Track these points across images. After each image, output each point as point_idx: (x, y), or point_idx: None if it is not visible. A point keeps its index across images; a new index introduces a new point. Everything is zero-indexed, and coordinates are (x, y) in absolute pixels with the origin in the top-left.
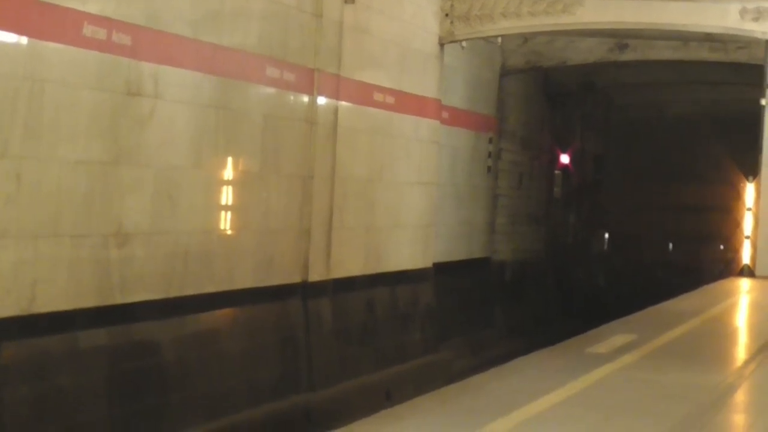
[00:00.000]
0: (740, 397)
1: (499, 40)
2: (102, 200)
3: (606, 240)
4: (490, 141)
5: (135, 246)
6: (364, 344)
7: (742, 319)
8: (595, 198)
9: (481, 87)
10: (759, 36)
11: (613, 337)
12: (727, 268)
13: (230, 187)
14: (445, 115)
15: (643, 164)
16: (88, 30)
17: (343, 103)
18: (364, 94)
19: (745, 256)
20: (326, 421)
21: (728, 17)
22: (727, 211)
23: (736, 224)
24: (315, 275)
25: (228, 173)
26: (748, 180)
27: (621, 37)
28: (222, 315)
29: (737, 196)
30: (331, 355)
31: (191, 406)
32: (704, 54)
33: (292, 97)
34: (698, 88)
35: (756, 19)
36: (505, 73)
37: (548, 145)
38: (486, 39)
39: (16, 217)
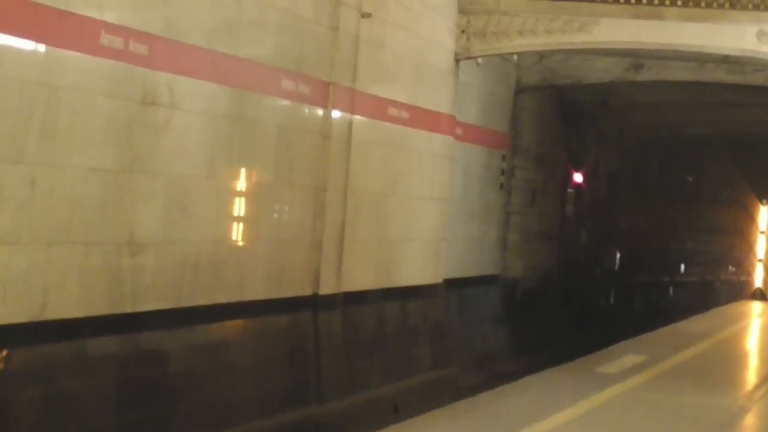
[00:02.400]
0: (750, 420)
1: (515, 57)
2: (115, 208)
3: (618, 259)
4: (504, 158)
5: (147, 255)
6: (373, 358)
7: (753, 342)
8: (607, 217)
9: (495, 104)
10: None
11: (624, 357)
12: (740, 290)
13: (243, 198)
14: (459, 131)
15: (656, 184)
16: (105, 39)
17: (358, 116)
18: (378, 109)
19: (758, 280)
20: None
21: (745, 39)
22: (740, 233)
23: (749, 247)
24: (326, 288)
25: (241, 184)
26: (761, 202)
27: (637, 56)
28: (232, 326)
29: (750, 218)
30: (341, 368)
31: (200, 415)
32: (721, 76)
33: (306, 110)
34: (714, 110)
35: None
36: (520, 90)
37: (562, 162)
38: (501, 56)
39: (29, 224)
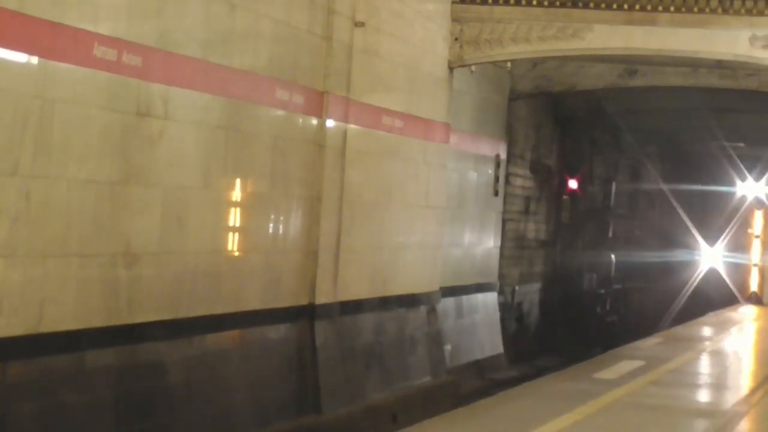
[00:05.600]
0: (747, 424)
1: (509, 64)
2: (111, 220)
3: (613, 265)
4: (498, 165)
5: (143, 266)
6: (370, 366)
7: (749, 346)
8: (603, 223)
9: (489, 111)
10: None
11: (621, 362)
12: (735, 294)
13: (238, 208)
14: (453, 138)
15: (651, 190)
16: (98, 50)
17: (352, 126)
18: (373, 117)
19: (753, 283)
20: None
21: (738, 44)
22: (734, 238)
23: (745, 252)
24: (322, 297)
25: (236, 194)
26: (756, 207)
27: (630, 62)
28: (229, 336)
29: (745, 223)
30: (338, 377)
31: (197, 426)
32: (714, 81)
33: (301, 120)
34: (708, 115)
35: (766, 47)
36: (514, 97)
37: (557, 169)
38: (495, 63)
39: (25, 236)
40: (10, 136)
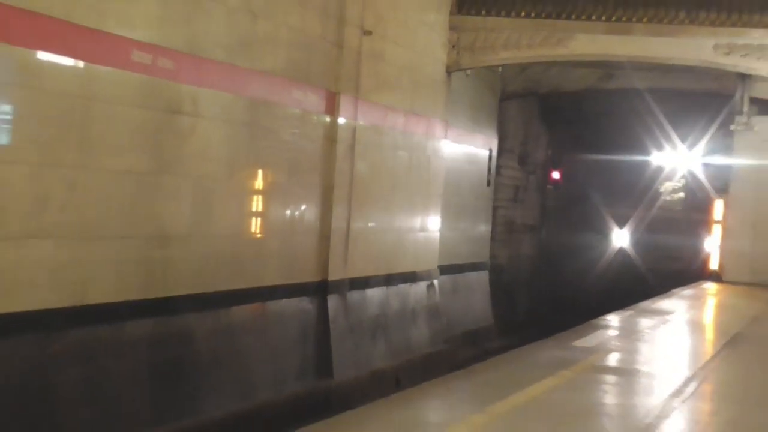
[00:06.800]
0: (707, 387)
1: (500, 68)
2: (146, 206)
3: (593, 247)
4: (491, 158)
5: (175, 247)
6: (376, 336)
7: (709, 317)
8: (583, 210)
9: (483, 110)
10: (729, 68)
11: (597, 332)
12: (700, 273)
13: (260, 196)
14: (451, 134)
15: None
16: (136, 55)
17: (361, 122)
18: (379, 115)
19: (714, 263)
20: (344, 403)
21: (703, 51)
22: (701, 225)
23: (707, 235)
24: (334, 274)
25: (258, 183)
26: (716, 197)
27: (608, 68)
28: (250, 309)
29: (708, 210)
30: (348, 345)
31: (224, 388)
32: (682, 84)
33: (315, 117)
34: (676, 114)
35: (727, 54)
36: (504, 97)
37: (542, 162)
38: (488, 67)
39: (70, 221)
40: (58, 132)
